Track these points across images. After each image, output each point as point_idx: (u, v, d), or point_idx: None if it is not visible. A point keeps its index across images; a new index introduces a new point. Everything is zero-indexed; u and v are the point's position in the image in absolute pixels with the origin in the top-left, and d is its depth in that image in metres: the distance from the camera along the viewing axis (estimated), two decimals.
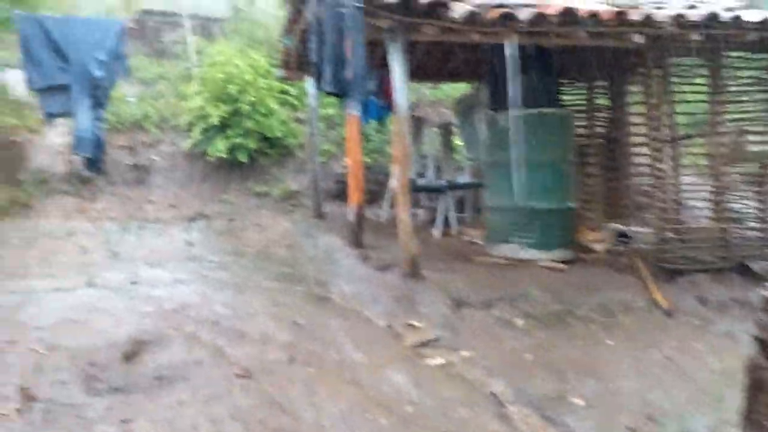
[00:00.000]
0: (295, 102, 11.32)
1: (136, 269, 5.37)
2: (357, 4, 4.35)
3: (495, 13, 4.32)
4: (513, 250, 6.23)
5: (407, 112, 4.98)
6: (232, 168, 9.32)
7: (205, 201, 8.78)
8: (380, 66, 6.60)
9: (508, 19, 4.42)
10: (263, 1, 15.46)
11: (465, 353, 3.96)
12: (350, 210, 6.50)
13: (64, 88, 6.31)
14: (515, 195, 5.54)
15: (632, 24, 4.95)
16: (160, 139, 9.52)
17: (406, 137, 4.99)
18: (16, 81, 8.16)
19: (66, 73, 6.28)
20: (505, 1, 4.54)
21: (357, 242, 6.50)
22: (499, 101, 5.80)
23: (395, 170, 5.08)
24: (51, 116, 6.65)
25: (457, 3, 4.39)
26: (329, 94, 5.24)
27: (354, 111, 4.62)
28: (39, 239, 6.69)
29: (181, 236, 7.12)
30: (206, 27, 17.82)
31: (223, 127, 9.14)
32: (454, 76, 8.90)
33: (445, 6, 4.27)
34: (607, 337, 4.37)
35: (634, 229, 6.89)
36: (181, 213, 8.26)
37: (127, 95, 11.86)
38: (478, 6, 4.41)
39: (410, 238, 5.00)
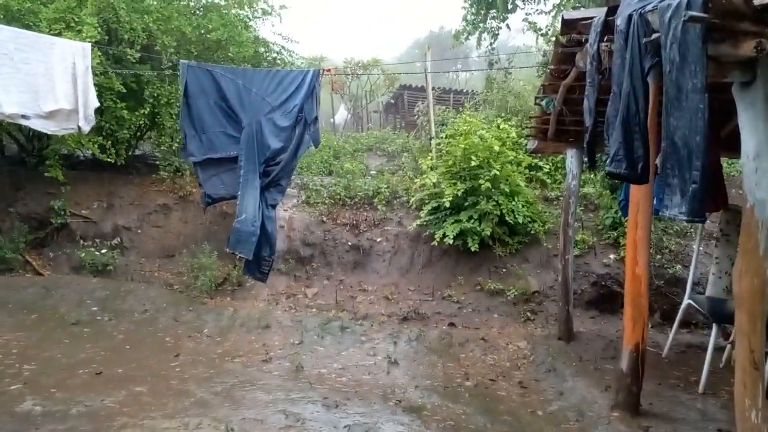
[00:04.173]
0: (546, 179, 9.39)
1: (304, 407, 3.93)
2: (697, 15, 2.32)
3: None
4: None
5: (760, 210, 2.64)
6: (461, 256, 7.68)
7: (425, 295, 7.24)
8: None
9: None
10: (523, 73, 14.16)
11: None
12: (624, 353, 4.19)
13: (230, 162, 4.63)
14: None
15: None
16: (386, 218, 8.43)
17: (764, 258, 2.63)
18: None
19: (235, 143, 4.60)
20: None
21: (631, 405, 4.12)
22: None
23: (740, 318, 2.71)
24: (211, 201, 4.92)
25: None
26: (613, 176, 3.20)
27: (676, 210, 2.47)
28: (231, 331, 5.90)
29: (385, 347, 5.63)
30: (459, 101, 17.30)
31: (456, 207, 7.64)
32: None
33: None
34: None
35: None
36: (394, 309, 6.84)
37: (369, 167, 11.44)
38: None
39: None
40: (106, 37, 7.53)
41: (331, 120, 21.76)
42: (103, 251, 7.51)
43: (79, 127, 4.29)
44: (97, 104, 4.42)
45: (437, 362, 5.36)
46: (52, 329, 5.68)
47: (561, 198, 8.13)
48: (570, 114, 5.13)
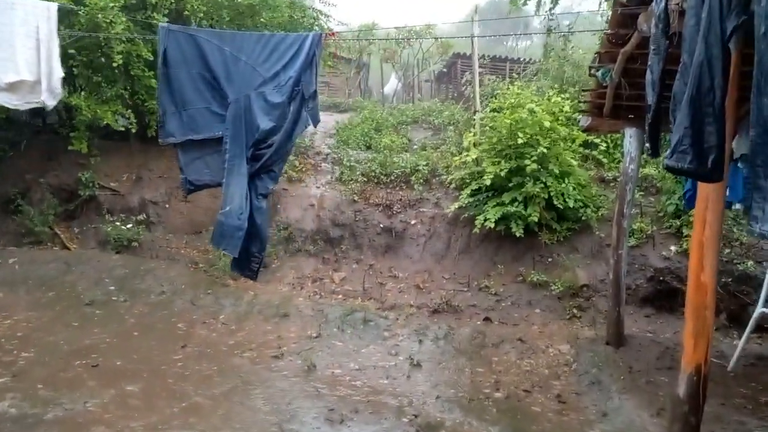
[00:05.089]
0: (603, 158, 8.49)
1: (304, 421, 3.51)
2: None
3: None
4: None
5: None
6: (503, 243, 7.02)
7: (460, 285, 6.66)
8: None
9: None
10: (585, 42, 12.95)
11: None
12: (682, 376, 3.51)
13: (216, 144, 3.91)
14: None
15: None
16: (423, 199, 7.83)
17: None
18: None
19: (220, 122, 3.84)
20: None
21: None
22: None
23: None
24: (193, 188, 4.23)
25: None
26: (673, 171, 2.51)
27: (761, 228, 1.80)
28: (248, 319, 5.55)
29: (408, 346, 5.13)
30: (515, 71, 16.22)
31: (498, 189, 6.95)
32: None
33: None
34: None
35: None
36: (425, 299, 6.31)
37: (412, 142, 10.77)
38: None
39: None
40: (133, 1, 7.19)
41: (381, 90, 21.05)
42: (129, 226, 7.32)
43: (42, 101, 3.89)
44: (62, 74, 4.00)
45: (465, 366, 4.81)
46: (65, 309, 5.52)
47: (618, 180, 7.30)
48: (630, 87, 4.35)
